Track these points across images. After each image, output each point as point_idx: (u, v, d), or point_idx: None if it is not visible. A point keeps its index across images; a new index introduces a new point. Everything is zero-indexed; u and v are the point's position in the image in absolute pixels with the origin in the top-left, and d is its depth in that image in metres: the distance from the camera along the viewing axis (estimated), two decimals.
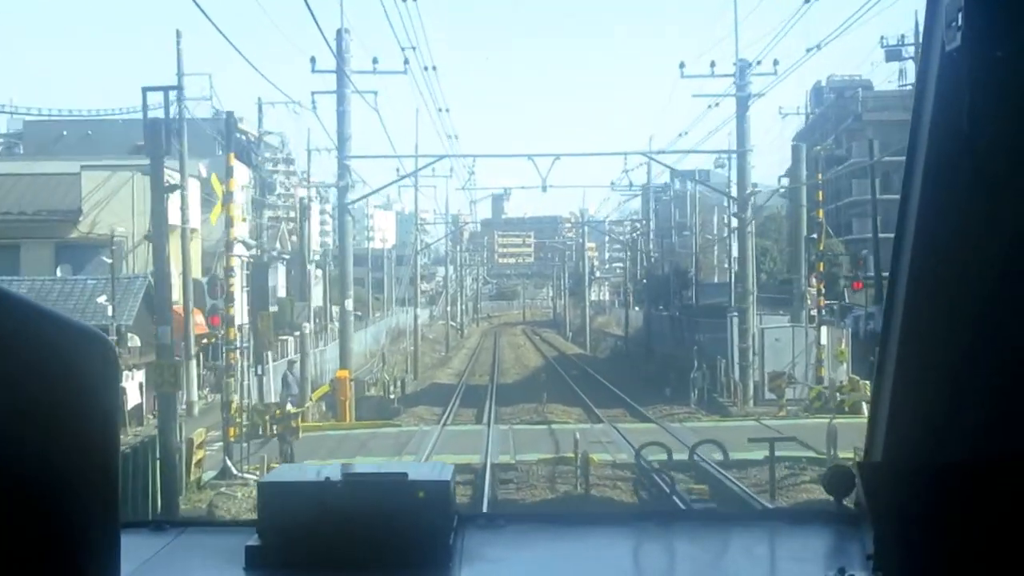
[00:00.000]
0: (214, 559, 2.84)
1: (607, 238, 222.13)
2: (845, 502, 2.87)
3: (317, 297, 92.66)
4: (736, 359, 42.57)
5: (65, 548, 1.42)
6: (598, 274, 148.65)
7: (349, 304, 39.59)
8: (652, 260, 68.78)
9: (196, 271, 56.24)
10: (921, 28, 2.65)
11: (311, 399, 36.54)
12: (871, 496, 2.65)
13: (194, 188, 56.67)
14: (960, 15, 2.26)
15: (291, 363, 37.65)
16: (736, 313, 43.32)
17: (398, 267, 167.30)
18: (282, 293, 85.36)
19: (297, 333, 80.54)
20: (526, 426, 37.12)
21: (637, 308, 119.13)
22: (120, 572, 1.57)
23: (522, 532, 3.06)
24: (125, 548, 1.60)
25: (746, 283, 41.01)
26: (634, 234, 76.43)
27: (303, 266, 47.71)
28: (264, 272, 37.49)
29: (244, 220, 68.80)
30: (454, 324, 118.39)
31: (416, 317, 65.90)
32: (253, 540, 2.74)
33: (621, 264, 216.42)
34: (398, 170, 64.39)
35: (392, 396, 52.76)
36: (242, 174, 66.38)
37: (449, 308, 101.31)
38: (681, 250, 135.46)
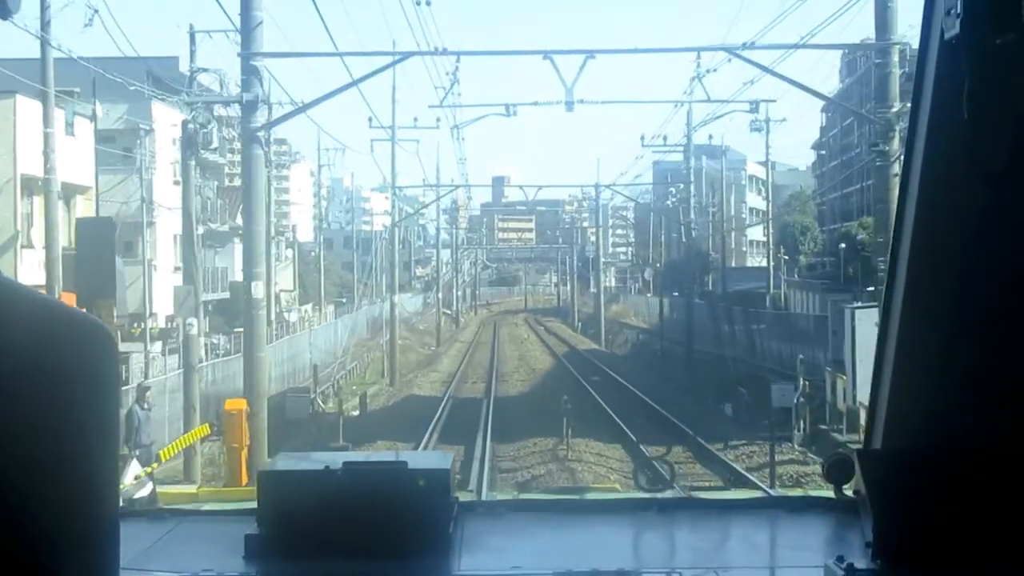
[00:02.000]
0: (213, 548, 2.74)
1: (611, 221, 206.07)
2: (845, 490, 2.75)
3: (286, 282, 76.64)
4: (859, 375, 26.20)
5: (65, 535, 1.38)
6: (603, 259, 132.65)
7: (258, 289, 23.37)
8: (692, 235, 52.49)
9: None
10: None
11: (160, 458, 20.20)
12: (870, 484, 2.57)
13: (82, 130, 40.50)
14: (959, 3, 2.20)
15: (142, 389, 21.19)
16: (864, 304, 26.97)
17: (391, 250, 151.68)
18: (238, 276, 69.31)
19: (295, 320, 64.25)
20: (543, 497, 20.94)
21: (650, 294, 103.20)
22: (119, 560, 1.53)
23: (522, 520, 3.00)
24: (124, 536, 1.55)
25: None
26: (672, 201, 60.11)
27: (190, 234, 31.11)
28: (104, 237, 21.22)
29: (177, 183, 52.43)
30: (448, 312, 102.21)
31: (394, 307, 49.67)
32: (252, 529, 2.66)
33: (624, 249, 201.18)
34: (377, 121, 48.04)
35: (353, 412, 37.03)
36: (172, 122, 49.76)
37: (440, 295, 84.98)
38: (697, 232, 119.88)
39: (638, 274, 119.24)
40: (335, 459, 2.74)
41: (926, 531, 2.42)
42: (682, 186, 54.86)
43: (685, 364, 46.80)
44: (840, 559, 2.39)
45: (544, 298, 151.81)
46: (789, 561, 2.83)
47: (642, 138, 49.04)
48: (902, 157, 2.66)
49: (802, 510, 3.08)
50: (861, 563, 2.39)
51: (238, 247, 69.70)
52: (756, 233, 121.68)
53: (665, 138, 49.11)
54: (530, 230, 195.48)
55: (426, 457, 3.42)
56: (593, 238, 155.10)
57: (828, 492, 2.93)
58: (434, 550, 2.63)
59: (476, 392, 42.90)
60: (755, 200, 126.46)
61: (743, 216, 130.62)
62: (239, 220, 71.73)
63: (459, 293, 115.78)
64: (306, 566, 2.60)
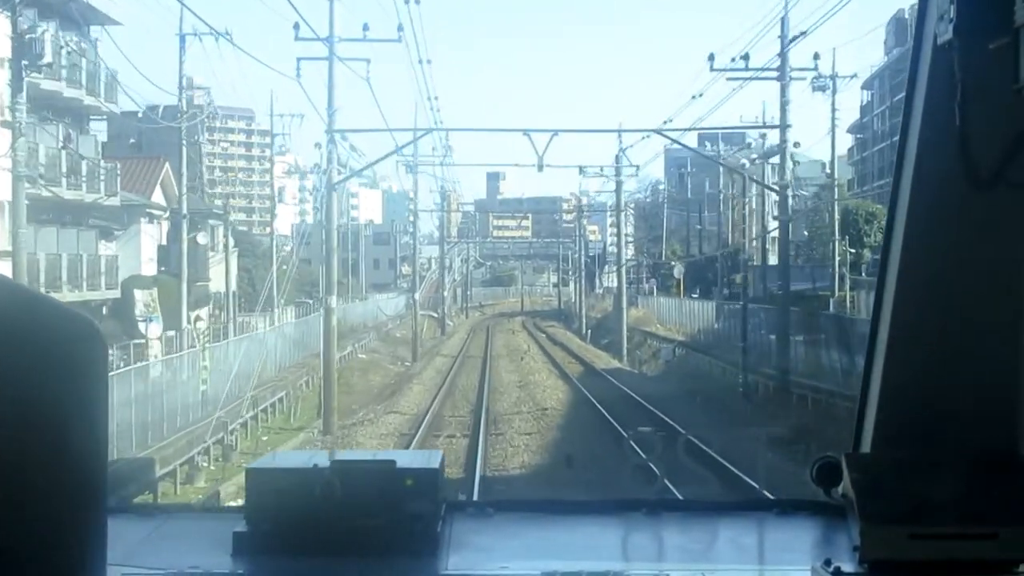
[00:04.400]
0: (201, 545, 2.63)
1: (609, 219, 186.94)
2: (833, 493, 2.65)
3: (220, 278, 57.69)
4: None
5: (52, 533, 1.34)
6: (595, 257, 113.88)
7: None
8: (789, 207, 33.07)
9: None
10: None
11: None
12: (858, 487, 2.47)
13: None
14: (952, 8, 2.16)
15: None
16: None
17: (377, 247, 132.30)
18: (150, 269, 50.12)
19: (157, 336, 44.82)
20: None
21: (659, 294, 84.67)
22: (107, 557, 1.46)
23: (511, 520, 2.88)
24: (112, 532, 1.48)
25: None
26: (754, 158, 41.01)
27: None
28: None
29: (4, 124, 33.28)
30: (434, 316, 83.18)
31: (330, 313, 30.61)
32: (240, 526, 2.55)
33: (624, 247, 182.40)
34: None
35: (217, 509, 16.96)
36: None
37: (421, 296, 66.17)
38: (711, 227, 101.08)
39: (645, 273, 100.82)
40: (324, 457, 2.59)
41: (912, 535, 2.33)
42: (764, 136, 36.06)
43: (789, 408, 27.78)
44: (827, 562, 2.31)
45: (542, 299, 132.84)
46: (777, 563, 2.71)
47: (711, 58, 30.26)
48: (894, 161, 2.43)
49: (790, 513, 2.90)
50: (848, 566, 2.32)
51: (148, 231, 50.61)
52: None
53: (746, 58, 30.41)
54: (526, 228, 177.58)
55: (415, 456, 3.10)
56: (594, 235, 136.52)
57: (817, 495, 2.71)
58: (422, 549, 2.50)
59: (451, 465, 23.75)
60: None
61: (765, 209, 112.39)
62: (159, 195, 52.69)
63: (448, 294, 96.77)
64: (294, 564, 2.48)
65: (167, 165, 51.86)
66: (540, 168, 30.71)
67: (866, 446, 2.66)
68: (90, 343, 1.40)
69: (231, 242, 56.51)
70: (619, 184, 57.77)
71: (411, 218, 75.88)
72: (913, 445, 2.58)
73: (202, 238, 56.27)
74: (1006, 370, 2.50)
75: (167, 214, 49.95)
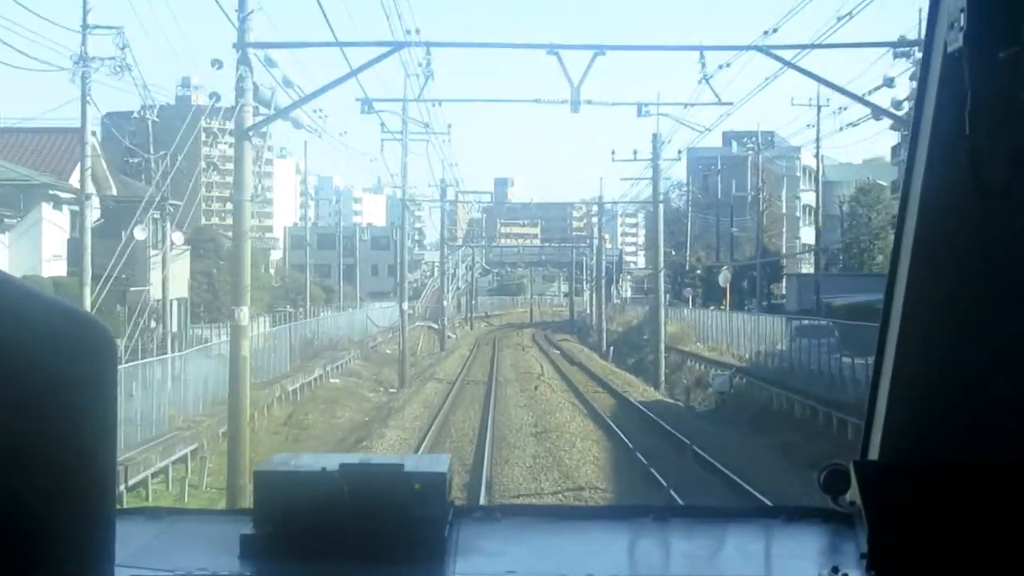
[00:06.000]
0: (209, 547, 2.54)
1: (620, 228, 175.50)
2: (840, 500, 2.55)
3: (177, 282, 45.83)
4: None
5: (61, 533, 1.34)
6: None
7: None
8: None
9: None
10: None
11: None
12: (866, 494, 2.41)
13: None
14: (962, 16, 2.12)
15: None
16: None
17: (376, 251, 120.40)
18: (56, 269, 38.21)
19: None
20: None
21: (672, 306, 72.85)
22: (115, 557, 1.48)
23: (518, 525, 2.76)
24: (119, 534, 1.49)
25: None
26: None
27: None
28: None
29: None
30: (435, 327, 71.32)
31: (239, 333, 18.96)
32: (248, 529, 2.46)
33: (636, 255, 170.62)
34: None
35: None
36: None
37: (403, 304, 54.43)
38: (740, 233, 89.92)
39: (665, 282, 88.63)
40: (332, 460, 2.52)
41: (921, 543, 2.28)
42: (892, 81, 23.77)
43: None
44: (835, 570, 2.28)
45: (552, 309, 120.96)
46: (784, 570, 2.63)
47: None
48: (903, 170, 2.30)
49: (798, 520, 2.78)
50: (856, 574, 2.29)
51: (54, 219, 38.74)
52: (808, 235, 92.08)
53: None
54: (535, 236, 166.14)
55: (423, 460, 2.59)
56: (606, 243, 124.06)
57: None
58: (429, 554, 2.43)
59: None
60: (810, 197, 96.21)
61: (796, 215, 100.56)
62: (77, 182, 40.69)
63: (451, 303, 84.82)
64: (301, 567, 2.41)
65: (93, 140, 39.91)
66: (575, 107, 19.35)
67: (874, 453, 2.56)
68: (100, 345, 1.37)
69: (179, 237, 44.50)
70: (656, 171, 45.67)
71: (400, 193, 62.07)
72: (922, 452, 2.48)
73: (140, 232, 44.43)
74: (1015, 378, 2.42)
75: (93, 198, 38.09)
